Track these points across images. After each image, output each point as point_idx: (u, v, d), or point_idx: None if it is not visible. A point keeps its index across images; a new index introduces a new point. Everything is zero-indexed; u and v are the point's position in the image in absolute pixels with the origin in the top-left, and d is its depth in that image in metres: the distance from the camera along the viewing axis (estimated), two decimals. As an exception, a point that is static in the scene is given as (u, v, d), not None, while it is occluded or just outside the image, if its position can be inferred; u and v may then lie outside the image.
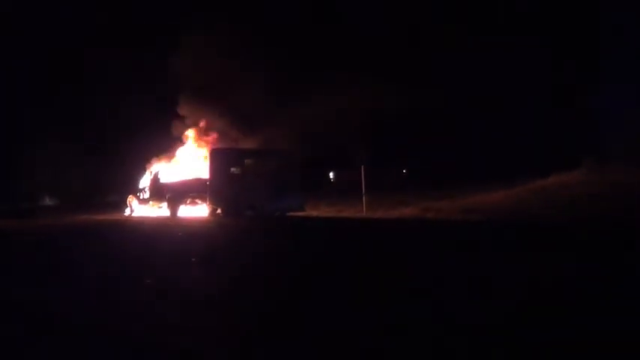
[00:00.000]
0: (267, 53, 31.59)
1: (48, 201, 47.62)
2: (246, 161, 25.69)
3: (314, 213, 25.92)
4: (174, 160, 31.78)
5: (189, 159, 31.43)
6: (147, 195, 29.31)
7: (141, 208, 29.57)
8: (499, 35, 34.38)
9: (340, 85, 30.18)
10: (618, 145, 24.42)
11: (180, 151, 32.34)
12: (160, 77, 34.96)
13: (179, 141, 32.74)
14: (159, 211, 28.43)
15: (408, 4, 34.17)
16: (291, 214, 24.92)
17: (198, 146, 32.36)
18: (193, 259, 11.79)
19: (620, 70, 29.80)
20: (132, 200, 30.02)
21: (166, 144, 32.84)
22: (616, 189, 19.62)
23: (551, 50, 34.61)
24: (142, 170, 31.15)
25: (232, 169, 25.48)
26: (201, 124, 32.91)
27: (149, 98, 37.07)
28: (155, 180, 29.14)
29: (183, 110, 32.75)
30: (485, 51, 34.04)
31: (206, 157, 28.20)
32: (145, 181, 30.12)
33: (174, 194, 27.44)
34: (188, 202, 27.12)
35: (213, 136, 32.63)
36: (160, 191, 28.52)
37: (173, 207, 27.10)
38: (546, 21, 35.05)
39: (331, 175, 50.33)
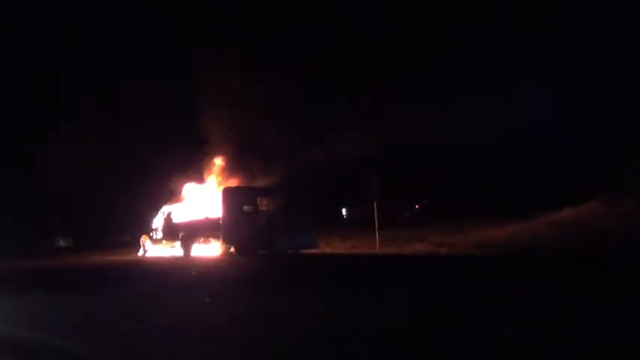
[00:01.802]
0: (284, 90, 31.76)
1: (62, 242, 47.74)
2: (258, 199, 25.66)
3: (327, 249, 25.81)
4: (186, 198, 31.80)
5: (202, 198, 31.44)
6: (160, 235, 29.34)
7: (154, 248, 29.57)
8: (512, 72, 34.44)
9: (354, 122, 30.33)
10: (633, 178, 24.21)
11: (194, 190, 32.35)
12: (175, 113, 35.35)
13: (195, 179, 32.78)
14: (172, 250, 28.43)
15: (427, 43, 34.43)
16: (305, 251, 24.82)
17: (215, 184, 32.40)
18: (207, 299, 11.73)
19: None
20: (145, 240, 30.04)
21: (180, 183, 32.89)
22: (631, 223, 19.45)
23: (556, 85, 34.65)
24: (154, 210, 31.18)
25: (245, 207, 25.48)
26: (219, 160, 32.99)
27: (162, 136, 37.15)
28: (168, 219, 29.20)
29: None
30: (498, 89, 34.12)
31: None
32: (157, 221, 30.15)
33: (187, 233, 27.48)
34: (201, 241, 27.12)
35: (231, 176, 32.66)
36: (173, 231, 28.57)
37: (186, 246, 27.12)
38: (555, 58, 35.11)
39: (344, 211, 50.25)
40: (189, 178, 32.35)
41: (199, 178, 32.60)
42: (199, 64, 32.86)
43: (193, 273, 18.62)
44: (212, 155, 32.90)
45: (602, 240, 18.08)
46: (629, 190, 23.16)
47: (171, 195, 31.94)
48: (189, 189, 31.96)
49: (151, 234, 30.00)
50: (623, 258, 14.78)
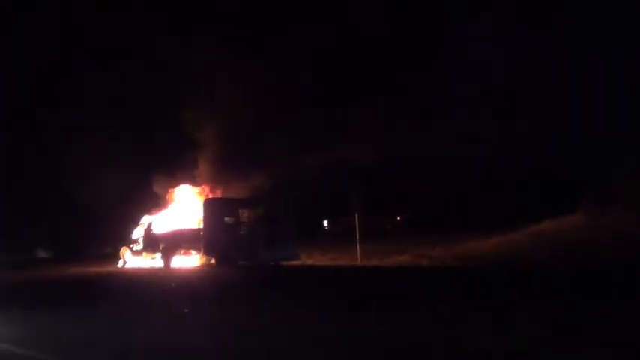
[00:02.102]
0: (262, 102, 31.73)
1: (42, 253, 47.28)
2: (239, 211, 25.56)
3: (309, 261, 25.74)
4: (167, 210, 31.64)
5: (183, 209, 31.29)
6: (140, 246, 29.14)
7: (134, 259, 29.36)
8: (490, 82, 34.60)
9: (335, 135, 30.36)
10: (616, 188, 24.32)
11: (174, 202, 32.22)
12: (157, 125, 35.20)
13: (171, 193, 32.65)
14: (152, 262, 28.24)
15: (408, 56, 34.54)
16: (286, 262, 24.73)
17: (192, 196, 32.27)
18: (186, 311, 11.67)
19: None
20: (125, 251, 29.81)
21: (159, 195, 32.74)
22: (613, 234, 19.55)
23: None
24: (135, 221, 30.97)
25: (226, 219, 25.39)
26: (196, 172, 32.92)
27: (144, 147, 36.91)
28: (148, 231, 29.01)
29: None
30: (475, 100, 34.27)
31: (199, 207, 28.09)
32: (138, 232, 29.95)
33: (167, 245, 27.31)
34: (182, 252, 26.98)
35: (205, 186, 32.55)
36: (153, 242, 28.37)
37: (166, 258, 26.94)
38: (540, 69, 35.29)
39: (325, 223, 50.17)
40: (173, 186, 32.29)
41: (181, 187, 32.54)
42: (185, 72, 32.92)
43: (173, 284, 18.52)
44: (194, 166, 32.82)
45: (583, 251, 18.18)
46: (613, 201, 23.25)
47: (155, 203, 31.82)
48: (173, 197, 31.88)
49: (132, 245, 29.77)
50: (604, 268, 14.85)
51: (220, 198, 29.89)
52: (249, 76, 31.12)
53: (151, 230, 28.94)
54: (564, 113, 34.00)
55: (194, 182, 32.62)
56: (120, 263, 29.78)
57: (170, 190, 32.25)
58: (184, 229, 27.90)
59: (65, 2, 41.94)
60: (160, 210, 31.33)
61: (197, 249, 26.13)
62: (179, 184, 32.45)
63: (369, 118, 32.05)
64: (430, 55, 35.34)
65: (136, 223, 30.47)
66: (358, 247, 23.90)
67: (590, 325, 8.31)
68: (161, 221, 29.80)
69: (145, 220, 30.09)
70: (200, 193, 31.71)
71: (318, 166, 31.14)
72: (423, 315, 9.99)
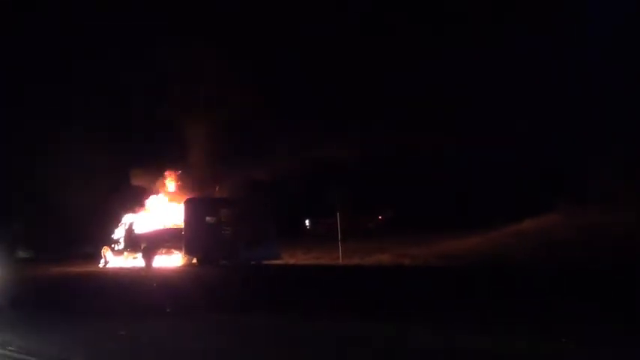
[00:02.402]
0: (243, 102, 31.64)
1: (22, 253, 46.92)
2: (221, 210, 25.55)
3: (291, 261, 25.76)
4: (148, 209, 31.52)
5: (164, 208, 31.19)
6: (121, 246, 29.00)
7: (116, 260, 29.21)
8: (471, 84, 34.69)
9: (318, 133, 30.38)
10: (593, 188, 24.55)
11: (154, 201, 32.12)
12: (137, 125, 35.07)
13: (151, 190, 32.56)
14: (134, 261, 28.12)
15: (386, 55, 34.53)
16: (268, 262, 24.73)
17: (172, 195, 32.19)
18: (168, 310, 11.66)
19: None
20: (106, 251, 29.65)
21: (140, 193, 32.63)
22: (591, 232, 19.75)
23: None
24: (116, 221, 30.82)
25: (207, 219, 25.38)
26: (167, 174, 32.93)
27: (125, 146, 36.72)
28: (130, 230, 28.88)
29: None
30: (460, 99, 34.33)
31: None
32: (119, 232, 29.81)
33: (149, 244, 27.20)
34: (163, 252, 26.90)
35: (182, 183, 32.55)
36: (134, 242, 28.24)
37: (148, 257, 26.83)
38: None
39: (307, 222, 50.17)
40: (153, 187, 32.22)
41: (162, 188, 32.46)
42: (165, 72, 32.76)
43: (154, 285, 18.47)
44: (175, 165, 32.78)
45: (564, 250, 18.35)
46: (590, 200, 23.47)
47: (135, 201, 31.73)
48: (152, 198, 31.79)
49: (113, 245, 29.62)
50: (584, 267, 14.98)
51: (201, 197, 29.83)
52: (230, 76, 31.13)
53: (133, 230, 28.82)
54: (542, 112, 34.18)
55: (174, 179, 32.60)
56: (101, 263, 29.63)
57: (149, 185, 32.23)
58: (165, 229, 27.84)
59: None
60: (140, 208, 31.22)
61: (178, 249, 26.07)
62: (158, 179, 32.47)
63: (352, 117, 32.17)
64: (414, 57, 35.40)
65: (117, 223, 30.33)
66: (340, 246, 23.94)
67: (573, 325, 8.36)
68: (142, 221, 29.69)
69: (126, 219, 29.96)
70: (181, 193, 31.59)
71: (300, 166, 31.21)
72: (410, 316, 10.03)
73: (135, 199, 32.31)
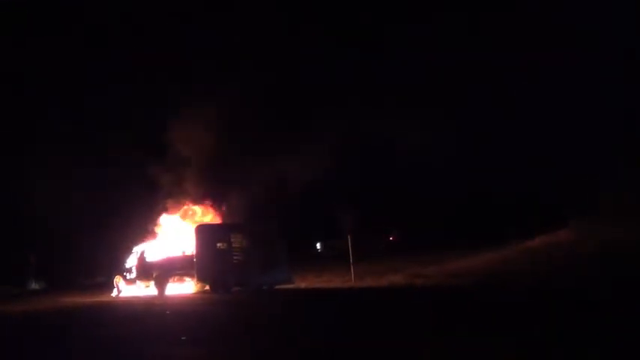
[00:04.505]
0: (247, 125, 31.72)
1: (34, 285, 46.99)
2: (231, 236, 25.59)
3: (302, 284, 25.75)
4: (159, 237, 31.53)
5: (175, 235, 31.20)
6: (133, 274, 29.00)
7: (128, 289, 29.22)
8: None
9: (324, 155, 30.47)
10: (606, 203, 24.44)
11: (165, 228, 32.12)
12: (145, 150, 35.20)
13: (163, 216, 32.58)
14: (146, 290, 28.13)
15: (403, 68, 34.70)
16: (280, 286, 24.72)
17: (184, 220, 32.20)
18: (183, 338, 11.67)
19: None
20: (119, 281, 29.65)
21: (152, 221, 32.66)
22: (604, 248, 19.60)
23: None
24: (128, 250, 30.84)
25: (218, 245, 25.42)
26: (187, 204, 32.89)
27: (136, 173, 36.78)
28: (141, 259, 28.91)
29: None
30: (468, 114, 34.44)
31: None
32: (131, 261, 29.82)
33: (160, 272, 27.23)
34: (175, 279, 26.91)
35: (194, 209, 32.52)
36: (146, 270, 28.25)
37: (160, 286, 26.86)
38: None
39: (318, 245, 50.21)
40: (163, 214, 32.27)
41: (172, 214, 32.50)
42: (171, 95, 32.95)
43: (168, 312, 18.47)
44: (184, 192, 32.80)
45: (574, 266, 18.23)
46: (601, 215, 23.36)
47: (145, 232, 31.72)
48: (164, 224, 31.82)
49: (125, 274, 29.63)
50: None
51: (212, 223, 29.94)
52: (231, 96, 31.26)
53: (144, 258, 28.84)
54: (551, 128, 34.18)
55: (181, 202, 32.60)
56: (114, 293, 29.64)
57: (161, 216, 32.25)
58: (177, 256, 27.86)
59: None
60: (152, 237, 31.25)
61: (190, 275, 26.09)
62: (168, 209, 32.47)
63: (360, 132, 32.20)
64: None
65: (128, 252, 30.35)
66: (352, 268, 23.91)
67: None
68: (153, 249, 29.72)
69: (138, 248, 29.99)
70: (192, 220, 31.60)
71: (309, 188, 31.24)
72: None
73: (146, 228, 32.32)
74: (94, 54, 40.21)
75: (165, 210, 32.73)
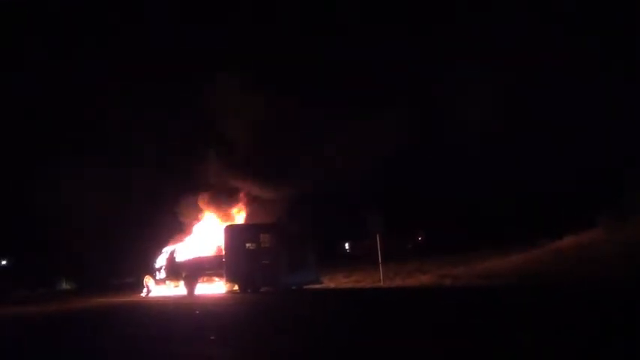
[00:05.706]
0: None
1: (65, 285, 47.53)
2: (260, 236, 25.65)
3: (331, 285, 25.74)
4: (189, 237, 31.70)
5: (205, 235, 31.33)
6: (163, 274, 29.24)
7: (158, 288, 29.47)
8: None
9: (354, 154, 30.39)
10: (633, 202, 24.05)
11: (196, 228, 32.26)
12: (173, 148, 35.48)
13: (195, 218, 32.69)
14: (176, 290, 28.34)
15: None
16: (308, 286, 24.74)
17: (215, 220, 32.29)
18: (212, 337, 11.74)
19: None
20: (148, 280, 29.92)
21: (182, 221, 32.82)
22: (634, 248, 19.28)
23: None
24: (157, 249, 31.08)
25: (247, 245, 25.52)
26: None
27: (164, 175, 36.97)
28: (171, 259, 29.15)
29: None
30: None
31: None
32: (160, 261, 30.06)
33: (190, 272, 27.43)
34: (204, 279, 27.07)
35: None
36: (176, 270, 28.49)
37: (190, 285, 27.07)
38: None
39: (347, 245, 50.18)
40: (194, 215, 32.41)
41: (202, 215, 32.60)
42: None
43: (197, 312, 18.58)
44: (214, 192, 32.86)
45: (605, 268, 17.95)
46: (631, 214, 22.97)
47: (178, 231, 31.90)
48: (196, 225, 31.99)
49: (154, 274, 29.87)
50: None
51: (241, 224, 30.10)
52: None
53: (174, 258, 29.09)
54: (580, 127, 33.87)
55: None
56: (144, 292, 29.90)
57: (193, 216, 32.38)
58: (206, 256, 28.04)
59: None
60: (182, 237, 31.43)
61: (220, 276, 26.23)
62: (201, 210, 32.58)
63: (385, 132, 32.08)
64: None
65: (158, 252, 30.58)
66: (381, 268, 23.83)
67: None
68: (183, 249, 29.93)
69: (167, 248, 30.22)
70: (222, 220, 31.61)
71: (337, 188, 31.18)
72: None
73: (176, 228, 32.50)
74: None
75: (197, 210, 32.87)
